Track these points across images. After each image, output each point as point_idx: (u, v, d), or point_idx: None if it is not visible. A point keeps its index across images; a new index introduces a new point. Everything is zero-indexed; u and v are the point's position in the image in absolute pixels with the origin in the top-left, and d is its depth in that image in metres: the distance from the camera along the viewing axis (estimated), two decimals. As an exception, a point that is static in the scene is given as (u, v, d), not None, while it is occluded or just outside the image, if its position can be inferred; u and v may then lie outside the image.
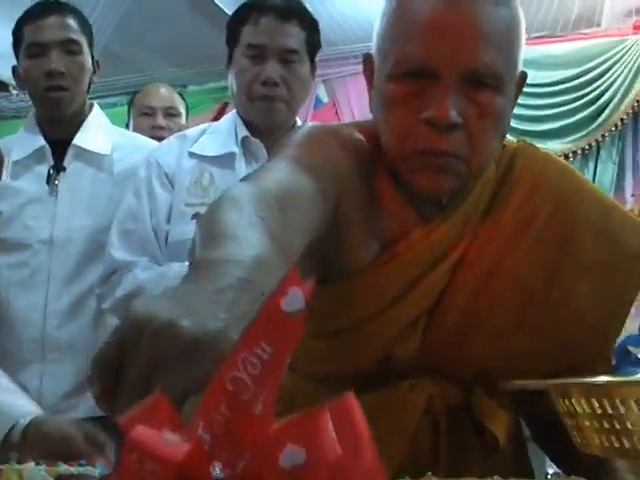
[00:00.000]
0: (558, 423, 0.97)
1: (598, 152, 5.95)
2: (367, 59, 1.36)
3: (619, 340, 0.81)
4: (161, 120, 3.40)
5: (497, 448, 1.36)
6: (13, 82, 6.81)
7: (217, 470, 0.50)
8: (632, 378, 0.68)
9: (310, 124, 1.50)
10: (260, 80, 2.24)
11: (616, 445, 0.66)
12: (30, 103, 2.65)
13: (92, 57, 2.58)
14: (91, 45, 2.57)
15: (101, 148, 2.52)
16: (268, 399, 0.51)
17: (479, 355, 1.36)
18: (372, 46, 1.33)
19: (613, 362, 0.89)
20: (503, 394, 1.38)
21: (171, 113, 3.42)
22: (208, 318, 0.65)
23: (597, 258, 1.38)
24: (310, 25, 2.31)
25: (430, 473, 1.13)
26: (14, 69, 2.62)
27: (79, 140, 2.52)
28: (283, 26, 2.25)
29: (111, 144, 2.53)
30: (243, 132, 2.32)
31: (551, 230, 1.37)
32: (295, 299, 0.52)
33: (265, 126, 2.31)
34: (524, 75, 1.35)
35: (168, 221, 2.28)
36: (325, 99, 6.78)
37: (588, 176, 5.88)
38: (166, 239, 2.27)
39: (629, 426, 0.63)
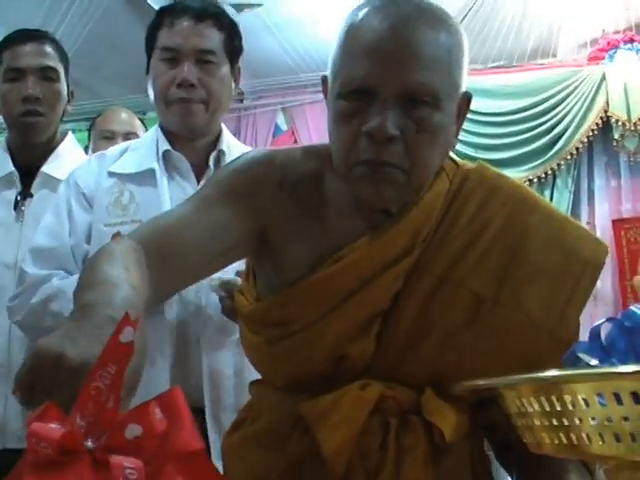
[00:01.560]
0: (511, 433, 1.00)
1: (554, 180, 6.03)
2: (324, 81, 1.47)
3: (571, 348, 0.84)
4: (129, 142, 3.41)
5: (445, 447, 1.41)
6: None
7: (89, 443, 0.79)
8: (579, 370, 0.71)
9: (252, 151, 1.61)
10: (176, 82, 2.15)
11: (558, 442, 0.70)
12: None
13: (67, 86, 2.59)
14: (67, 74, 2.59)
15: None
16: (116, 397, 0.80)
17: (431, 357, 1.42)
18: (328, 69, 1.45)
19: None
20: (455, 400, 1.42)
21: (130, 138, 3.41)
22: (85, 349, 0.92)
23: (547, 264, 1.46)
24: (229, 27, 2.24)
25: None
26: None
27: (47, 168, 2.53)
28: (198, 27, 2.17)
29: None
30: (164, 146, 2.23)
31: (501, 241, 1.46)
32: (127, 333, 0.82)
33: (184, 131, 2.21)
34: (468, 95, 1.44)
35: (88, 242, 2.20)
36: (284, 127, 6.82)
37: (545, 204, 5.98)
38: (85, 259, 2.18)
39: (576, 421, 0.66)
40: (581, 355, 0.71)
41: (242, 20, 5.03)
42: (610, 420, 0.58)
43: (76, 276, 2.09)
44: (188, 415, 0.82)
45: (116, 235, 2.12)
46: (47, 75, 2.53)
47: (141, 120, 3.67)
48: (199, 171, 2.22)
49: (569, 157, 5.97)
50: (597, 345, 0.70)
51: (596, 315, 5.67)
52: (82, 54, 5.74)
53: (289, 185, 1.48)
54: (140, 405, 0.80)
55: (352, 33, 1.38)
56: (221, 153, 2.23)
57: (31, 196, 2.52)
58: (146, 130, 3.53)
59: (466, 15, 5.78)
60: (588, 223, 5.92)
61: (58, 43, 2.64)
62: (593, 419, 0.60)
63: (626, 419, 0.57)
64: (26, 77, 2.49)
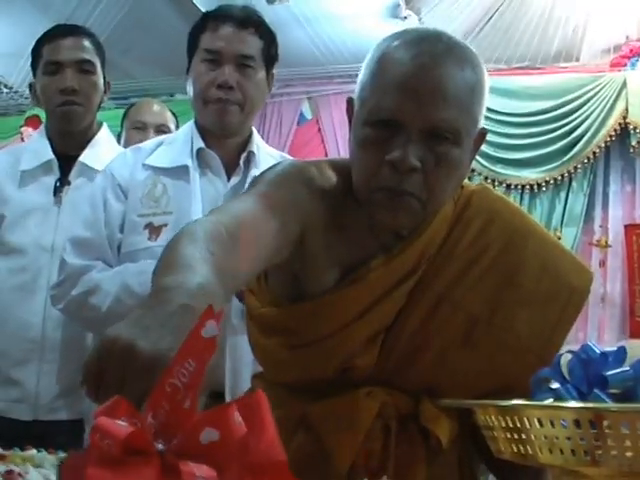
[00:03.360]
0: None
1: (570, 183, 6.09)
2: (349, 102, 1.56)
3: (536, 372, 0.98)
4: (152, 135, 3.51)
5: (440, 450, 1.55)
6: (4, 80, 6.96)
7: (159, 445, 0.72)
8: (534, 402, 0.87)
9: (284, 162, 1.69)
10: (216, 84, 2.27)
11: (521, 452, 0.85)
12: (19, 102, 2.77)
13: (104, 78, 2.73)
14: (104, 66, 2.72)
15: (104, 167, 2.64)
16: (193, 397, 0.73)
17: (428, 369, 1.54)
18: (355, 92, 1.53)
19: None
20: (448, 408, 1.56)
21: (162, 130, 3.54)
22: (159, 340, 0.89)
23: (538, 291, 1.57)
24: (268, 36, 2.37)
25: (385, 477, 1.31)
26: (31, 85, 2.76)
27: (85, 157, 2.66)
28: (240, 33, 2.30)
29: None
30: (199, 143, 2.34)
31: (499, 265, 1.57)
32: (210, 328, 0.75)
33: (219, 129, 2.32)
34: (484, 131, 1.53)
35: (121, 231, 2.32)
36: (309, 116, 6.92)
37: (559, 206, 6.04)
38: (119, 249, 2.32)
39: (532, 437, 0.83)
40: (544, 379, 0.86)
41: (273, 12, 5.16)
42: (557, 438, 0.75)
43: (116, 268, 2.27)
44: (270, 422, 0.76)
45: (148, 225, 2.28)
46: (84, 68, 2.64)
47: (168, 103, 3.77)
48: (230, 168, 2.35)
49: (586, 161, 6.03)
50: (558, 372, 0.85)
51: (604, 318, 5.78)
52: (115, 36, 5.88)
53: (323, 195, 1.54)
54: (219, 407, 0.74)
55: (384, 64, 1.47)
56: (251, 154, 2.37)
57: (69, 183, 2.65)
58: (177, 121, 3.68)
59: (492, 15, 5.88)
60: (601, 226, 5.99)
61: (95, 37, 2.77)
62: (545, 437, 0.77)
63: (569, 439, 0.74)
64: (64, 70, 2.61)
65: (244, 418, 0.74)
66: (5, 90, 7.26)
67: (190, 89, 2.36)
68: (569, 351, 0.87)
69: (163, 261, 1.14)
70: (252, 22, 2.34)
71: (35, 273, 2.57)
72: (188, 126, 2.44)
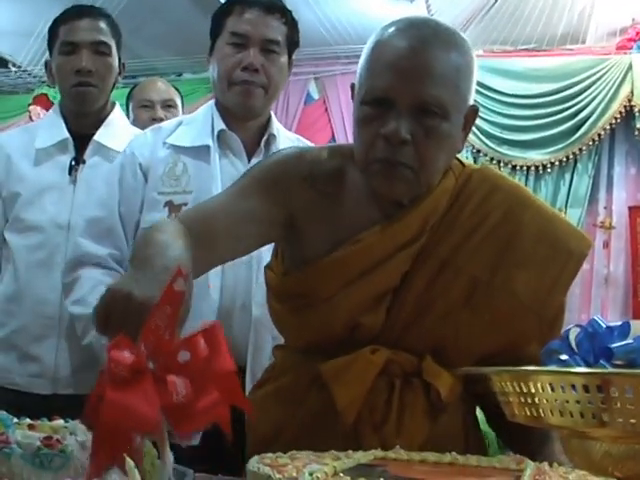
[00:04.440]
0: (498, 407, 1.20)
1: (575, 165, 6.14)
2: (352, 87, 1.70)
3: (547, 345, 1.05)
4: (160, 112, 3.57)
5: (441, 406, 1.66)
6: (12, 59, 6.99)
7: (151, 364, 1.04)
8: (546, 368, 0.94)
9: (280, 152, 1.89)
10: (241, 66, 2.32)
11: (533, 415, 0.92)
12: (28, 80, 2.80)
13: (119, 59, 2.77)
14: (119, 48, 2.76)
15: (118, 145, 2.66)
16: (171, 331, 1.06)
17: (432, 329, 1.67)
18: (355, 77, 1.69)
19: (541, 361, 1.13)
20: (452, 365, 1.66)
21: (168, 105, 3.61)
22: (148, 290, 1.17)
23: (536, 254, 1.69)
24: (291, 22, 2.42)
25: (398, 446, 1.38)
26: (46, 63, 2.80)
27: (100, 136, 2.70)
28: (266, 18, 2.35)
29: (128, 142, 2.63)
30: (220, 125, 2.40)
31: (498, 231, 1.69)
32: (179, 283, 1.09)
33: (242, 111, 2.37)
34: (475, 108, 1.68)
35: (141, 209, 2.38)
36: (316, 96, 6.96)
37: (564, 187, 6.08)
38: (138, 226, 2.37)
39: (544, 401, 0.89)
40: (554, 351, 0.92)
41: (281, -8, 5.18)
42: (567, 402, 0.82)
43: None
44: (224, 344, 1.07)
45: (168, 203, 2.33)
46: (100, 49, 2.67)
47: (176, 82, 3.82)
48: (250, 150, 2.40)
49: (591, 143, 6.07)
50: (566, 344, 0.91)
51: (607, 298, 5.83)
52: (124, 16, 5.83)
53: (314, 179, 1.72)
54: (189, 336, 1.07)
55: (378, 49, 1.62)
56: (271, 137, 2.42)
57: (84, 162, 2.68)
58: (181, 96, 3.77)
59: (500, -3, 5.90)
60: (605, 208, 6.04)
61: (112, 19, 2.79)
62: (555, 400, 0.83)
63: (578, 402, 0.81)
64: (80, 51, 2.64)
65: (207, 342, 1.06)
66: (14, 69, 7.29)
67: (214, 70, 2.40)
68: (577, 325, 0.93)
69: (138, 246, 1.48)
70: (277, 8, 2.39)
71: (52, 250, 2.61)
72: (208, 107, 2.48)
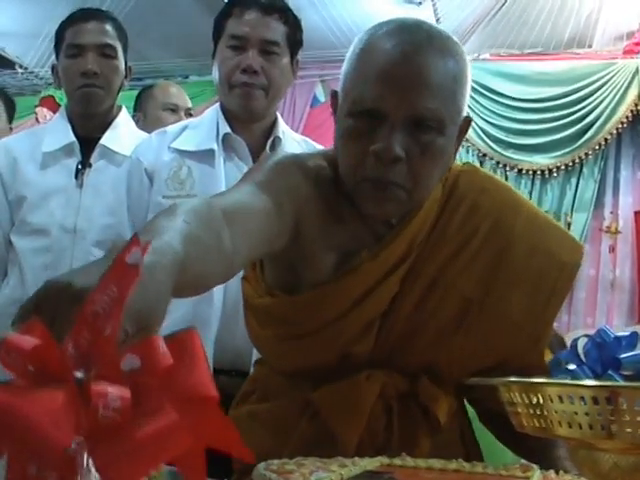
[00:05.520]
0: (503, 412, 1.16)
1: (581, 169, 6.11)
2: (333, 95, 1.56)
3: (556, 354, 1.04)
4: (183, 118, 3.60)
5: (439, 427, 1.60)
6: (19, 60, 7.01)
7: (79, 374, 0.67)
8: (552, 380, 0.94)
9: (281, 153, 1.70)
10: (241, 68, 2.32)
11: (537, 425, 0.91)
12: (34, 82, 2.82)
13: (125, 63, 2.77)
14: (125, 51, 2.77)
15: (125, 149, 2.69)
16: (114, 324, 0.68)
17: (424, 351, 1.58)
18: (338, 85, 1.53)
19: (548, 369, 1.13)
20: (446, 383, 1.62)
21: (189, 113, 3.71)
22: (95, 279, 0.75)
23: (529, 269, 1.58)
24: (292, 22, 2.41)
25: (405, 454, 1.37)
26: (53, 66, 2.81)
27: (106, 140, 2.72)
28: (265, 19, 2.35)
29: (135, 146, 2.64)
30: (225, 128, 2.40)
31: (488, 246, 1.58)
32: (135, 255, 0.71)
33: (244, 113, 2.37)
34: (469, 119, 1.54)
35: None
36: (322, 98, 6.95)
37: (570, 192, 6.07)
38: None
39: (552, 413, 0.88)
40: (562, 361, 0.92)
41: (288, -5, 5.19)
42: (576, 413, 0.82)
43: None
44: (202, 360, 0.73)
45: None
46: (106, 52, 2.70)
47: (182, 84, 3.91)
48: (255, 153, 2.40)
49: (597, 147, 6.05)
50: (574, 354, 0.91)
51: (613, 303, 5.82)
52: (131, 18, 5.89)
53: (317, 185, 1.55)
54: (144, 338, 0.71)
55: (365, 55, 1.45)
56: (277, 139, 2.42)
57: (90, 166, 2.71)
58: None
59: (506, 1, 5.89)
60: (611, 213, 6.02)
61: (118, 22, 2.82)
62: (564, 412, 0.83)
63: (587, 414, 0.81)
64: (86, 53, 2.67)
65: (174, 352, 0.70)
66: (20, 70, 7.31)
67: (216, 74, 2.41)
68: (585, 335, 0.93)
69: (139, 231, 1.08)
70: (277, 8, 2.38)
71: (58, 253, 2.63)
72: (213, 111, 2.49)
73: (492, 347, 1.58)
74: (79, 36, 2.68)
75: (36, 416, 0.63)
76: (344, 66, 1.51)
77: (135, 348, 0.69)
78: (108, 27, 2.73)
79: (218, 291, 2.25)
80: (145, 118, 3.61)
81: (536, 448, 1.59)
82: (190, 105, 3.74)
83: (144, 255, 0.72)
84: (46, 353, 0.66)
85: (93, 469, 0.65)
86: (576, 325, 5.65)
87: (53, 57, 2.84)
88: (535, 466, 1.33)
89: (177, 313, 2.20)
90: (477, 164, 6.10)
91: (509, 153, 6.21)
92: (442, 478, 1.25)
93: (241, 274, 1.74)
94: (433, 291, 1.57)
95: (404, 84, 1.40)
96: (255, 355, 2.17)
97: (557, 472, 1.27)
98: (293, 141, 2.47)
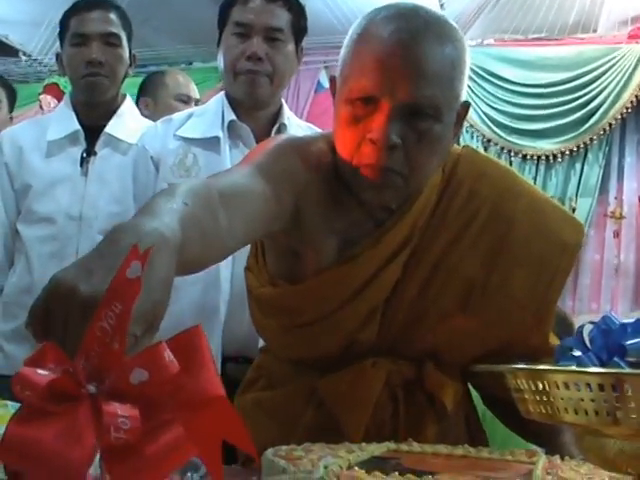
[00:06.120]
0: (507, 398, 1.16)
1: (586, 154, 6.08)
2: (332, 80, 1.57)
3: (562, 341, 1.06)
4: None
5: (446, 414, 1.62)
6: (23, 48, 7.01)
7: (92, 387, 0.72)
8: (558, 367, 0.95)
9: (281, 136, 1.72)
10: (245, 55, 2.34)
11: (544, 411, 0.92)
12: (38, 69, 2.83)
13: (130, 51, 2.78)
14: (130, 40, 2.78)
15: (129, 137, 2.71)
16: (121, 339, 0.73)
17: (429, 336, 1.59)
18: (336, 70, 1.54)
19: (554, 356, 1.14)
20: (451, 368, 1.64)
21: (198, 104, 3.67)
22: (100, 283, 0.82)
23: (531, 250, 1.60)
24: (296, 9, 2.43)
25: (411, 439, 1.38)
26: (57, 55, 2.82)
27: (110, 128, 2.74)
28: (269, 6, 2.37)
29: (140, 134, 2.65)
30: (230, 116, 2.41)
31: (490, 228, 1.59)
32: (134, 268, 0.74)
33: (249, 101, 2.39)
34: (467, 104, 1.54)
35: None
36: (326, 84, 6.91)
37: (574, 177, 6.06)
38: None
39: (559, 399, 0.89)
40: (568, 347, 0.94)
41: (292, -18, 5.18)
42: (582, 400, 0.83)
43: None
44: (209, 359, 0.76)
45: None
46: (110, 41, 2.72)
47: (186, 71, 3.89)
48: (261, 140, 2.38)
49: (602, 132, 6.02)
50: (580, 341, 0.92)
51: (618, 288, 5.83)
52: (134, 6, 5.88)
53: (318, 169, 1.56)
54: (148, 347, 0.74)
55: (362, 41, 1.46)
56: (282, 126, 2.44)
57: (95, 154, 2.72)
58: None
59: (511, -15, 5.88)
60: (616, 198, 6.00)
61: (123, 11, 2.83)
62: (570, 399, 0.84)
63: (592, 400, 0.82)
64: (90, 42, 2.69)
65: (179, 356, 0.73)
66: (24, 58, 7.31)
67: (221, 62, 2.42)
68: (591, 322, 0.94)
69: (137, 211, 1.11)
70: None
71: (64, 242, 2.65)
72: (219, 98, 2.50)
73: (496, 329, 1.59)
74: (83, 25, 2.70)
75: (52, 442, 0.68)
76: (342, 51, 1.51)
77: (141, 360, 0.72)
78: (112, 16, 2.74)
79: (225, 278, 2.26)
80: (156, 105, 3.60)
81: (542, 433, 1.60)
82: (198, 97, 3.72)
83: (143, 265, 0.75)
84: (61, 382, 0.70)
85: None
86: (580, 310, 5.65)
87: (57, 44, 2.85)
88: (541, 451, 1.34)
89: (185, 300, 2.21)
90: (481, 149, 6.10)
91: (513, 138, 6.20)
92: (449, 463, 1.26)
93: (244, 264, 1.76)
94: (436, 275, 1.58)
95: (400, 72, 1.41)
96: (262, 342, 2.21)
97: (562, 458, 1.28)
98: (298, 128, 2.48)
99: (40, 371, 0.71)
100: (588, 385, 0.83)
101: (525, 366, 0.98)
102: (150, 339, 0.86)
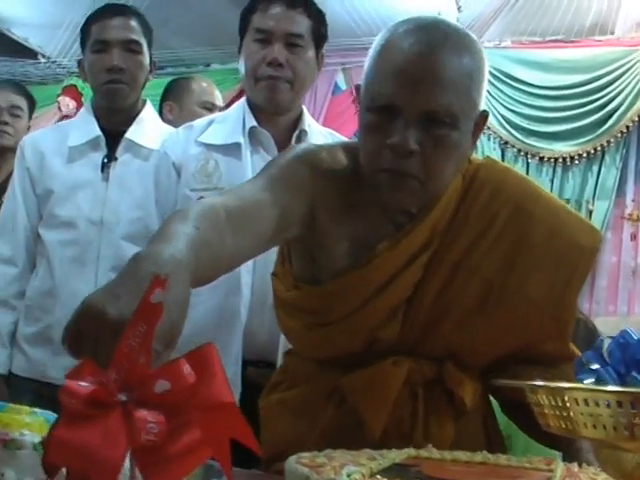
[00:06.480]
0: (525, 402, 1.20)
1: (603, 156, 6.07)
2: (357, 89, 1.65)
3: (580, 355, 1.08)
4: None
5: (465, 411, 1.67)
6: (41, 50, 7.06)
7: (122, 396, 0.85)
8: (581, 385, 0.97)
9: (297, 147, 1.79)
10: (266, 61, 2.37)
11: (564, 426, 0.96)
12: (57, 71, 2.85)
13: (150, 58, 2.81)
14: (150, 46, 2.81)
15: (149, 143, 2.74)
16: (147, 355, 0.86)
17: (449, 336, 1.64)
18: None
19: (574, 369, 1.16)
20: (471, 369, 1.68)
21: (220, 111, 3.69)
22: (125, 307, 0.96)
23: (549, 253, 1.65)
24: (316, 15, 2.45)
25: (431, 445, 1.40)
26: (79, 61, 2.86)
27: (131, 134, 2.77)
28: (290, 12, 2.39)
29: (160, 140, 2.69)
30: (251, 122, 2.44)
31: (508, 231, 1.65)
32: (157, 295, 0.87)
33: (269, 106, 2.41)
34: (485, 114, 1.61)
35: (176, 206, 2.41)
36: (343, 86, 6.96)
37: (592, 179, 6.05)
38: None
39: (575, 415, 0.93)
40: (585, 361, 0.96)
41: (310, -16, 5.20)
42: (600, 416, 0.85)
43: None
44: (220, 370, 0.89)
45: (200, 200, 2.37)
46: (131, 48, 2.75)
47: (204, 73, 3.88)
48: (281, 146, 2.43)
49: (619, 135, 6.00)
50: (599, 354, 0.94)
51: (635, 290, 5.82)
52: (153, 7, 5.94)
53: (333, 177, 1.65)
54: (170, 361, 0.88)
55: (384, 53, 1.55)
56: (303, 132, 2.46)
57: (115, 159, 2.76)
58: None
59: (528, -13, 5.88)
60: (633, 201, 5.98)
61: (143, 18, 2.86)
62: (590, 415, 0.86)
63: (611, 416, 0.84)
64: (111, 49, 2.72)
65: (196, 368, 0.86)
66: (43, 60, 7.37)
67: (242, 68, 2.45)
68: (609, 337, 0.97)
69: (153, 235, 1.22)
70: (301, 2, 2.42)
71: (85, 246, 2.68)
72: (240, 104, 2.53)
73: (514, 329, 1.64)
74: (104, 32, 2.73)
75: (94, 443, 0.82)
76: (366, 62, 1.59)
77: (164, 372, 0.86)
78: (133, 23, 2.77)
79: (246, 284, 2.29)
80: (180, 110, 3.62)
81: (558, 437, 1.62)
82: (222, 104, 3.73)
83: (164, 291, 0.88)
84: (97, 392, 0.85)
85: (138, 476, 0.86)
86: (597, 312, 5.65)
87: (75, 46, 2.89)
88: (559, 459, 1.36)
89: (207, 304, 2.24)
90: (499, 152, 6.12)
91: (531, 141, 6.20)
92: (467, 471, 1.28)
93: (271, 269, 1.85)
94: (456, 276, 1.64)
95: (418, 81, 1.50)
96: (282, 346, 2.24)
97: (580, 465, 1.30)
98: (319, 134, 2.51)
99: (82, 383, 0.85)
100: (607, 402, 0.86)
101: (545, 383, 1.00)
102: (170, 354, 0.98)
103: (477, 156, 1.78)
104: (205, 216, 1.30)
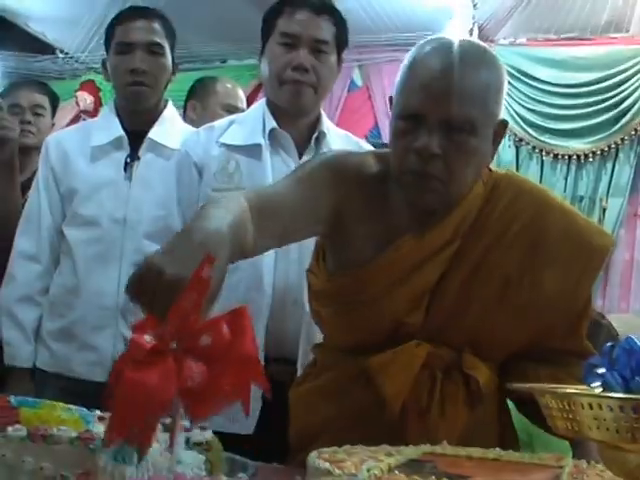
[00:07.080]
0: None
1: (617, 154, 6.11)
2: (391, 100, 1.82)
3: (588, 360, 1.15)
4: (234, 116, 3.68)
5: (480, 397, 1.80)
6: (59, 45, 7.11)
7: (174, 344, 1.08)
8: (584, 392, 1.03)
9: (327, 153, 2.05)
10: (292, 66, 2.40)
11: (574, 429, 1.01)
12: (75, 66, 2.87)
13: (172, 59, 2.86)
14: (172, 49, 2.86)
15: (171, 142, 2.79)
16: (196, 315, 1.09)
17: (470, 327, 1.80)
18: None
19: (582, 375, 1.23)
20: (487, 360, 1.82)
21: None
22: (181, 268, 1.18)
23: (562, 253, 1.81)
24: (340, 22, 2.50)
25: (445, 442, 1.47)
26: (103, 62, 2.92)
27: (154, 134, 2.82)
28: (316, 18, 2.43)
29: (181, 140, 2.71)
30: (271, 124, 2.47)
31: (526, 232, 1.81)
32: (206, 271, 1.11)
33: (292, 109, 2.45)
34: (505, 122, 1.80)
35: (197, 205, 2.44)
36: (359, 83, 7.01)
37: (605, 177, 6.09)
38: None
39: (584, 418, 0.98)
40: (593, 365, 1.03)
41: (326, -18, 5.23)
42: (604, 419, 0.92)
43: None
44: (250, 329, 1.11)
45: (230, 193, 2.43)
46: (154, 50, 2.79)
47: (220, 69, 3.84)
48: (301, 147, 2.50)
49: (633, 132, 6.04)
50: (606, 360, 1.01)
51: (647, 289, 5.85)
52: (170, 5, 5.98)
53: (362, 181, 1.83)
54: (213, 319, 1.11)
55: (412, 69, 1.76)
56: (321, 134, 2.51)
57: (138, 159, 2.81)
58: None
59: (543, -15, 5.90)
60: (647, 198, 6.04)
61: (167, 20, 2.90)
62: (594, 418, 0.93)
63: (615, 420, 0.91)
64: (135, 51, 2.76)
65: (232, 327, 1.09)
66: (61, 55, 7.44)
67: (265, 70, 2.49)
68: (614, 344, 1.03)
69: (192, 218, 1.43)
70: (327, 9, 2.47)
71: (109, 244, 2.73)
72: (259, 106, 2.57)
73: (529, 322, 1.79)
74: (128, 34, 2.78)
75: (151, 383, 1.04)
76: (398, 76, 1.79)
77: (208, 328, 1.09)
78: (156, 25, 2.82)
79: (268, 284, 2.34)
80: (203, 110, 3.65)
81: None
82: (245, 107, 3.76)
83: (211, 267, 1.12)
84: (157, 347, 1.07)
85: (182, 410, 1.12)
86: (610, 309, 5.68)
87: (94, 41, 2.92)
88: (568, 456, 1.42)
89: (229, 301, 2.29)
90: (513, 149, 6.17)
91: (545, 138, 6.24)
92: (480, 466, 1.34)
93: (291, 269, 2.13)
94: (477, 272, 1.80)
95: (439, 94, 1.69)
96: (303, 344, 2.32)
97: (589, 462, 1.36)
98: (336, 136, 2.56)
99: (146, 336, 1.08)
100: (610, 406, 0.92)
101: (553, 389, 1.07)
102: (210, 309, 1.18)
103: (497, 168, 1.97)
104: (238, 206, 1.48)
